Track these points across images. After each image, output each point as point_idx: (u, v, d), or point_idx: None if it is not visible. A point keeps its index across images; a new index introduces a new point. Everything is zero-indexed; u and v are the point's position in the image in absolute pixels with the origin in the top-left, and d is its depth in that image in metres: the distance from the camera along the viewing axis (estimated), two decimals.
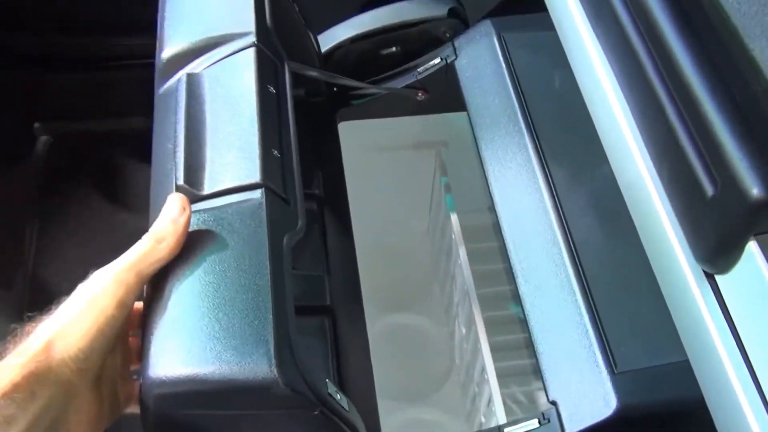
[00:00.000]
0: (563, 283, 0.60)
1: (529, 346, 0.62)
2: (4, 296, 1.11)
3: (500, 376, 0.73)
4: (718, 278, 0.44)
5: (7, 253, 1.15)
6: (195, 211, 0.50)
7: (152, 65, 0.76)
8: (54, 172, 1.26)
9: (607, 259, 0.62)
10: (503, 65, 0.75)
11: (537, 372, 0.60)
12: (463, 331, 0.84)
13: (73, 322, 0.44)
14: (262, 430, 0.49)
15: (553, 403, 0.58)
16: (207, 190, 0.52)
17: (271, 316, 0.45)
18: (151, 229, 0.48)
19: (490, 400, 0.72)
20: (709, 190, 0.42)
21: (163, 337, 0.45)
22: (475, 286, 0.80)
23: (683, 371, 0.50)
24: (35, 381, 0.42)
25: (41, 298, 1.12)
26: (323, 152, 0.81)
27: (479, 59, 0.78)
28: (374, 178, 0.93)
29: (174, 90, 0.58)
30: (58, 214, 1.20)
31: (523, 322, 0.62)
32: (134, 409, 0.49)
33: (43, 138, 1.30)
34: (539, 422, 0.58)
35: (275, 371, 0.43)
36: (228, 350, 0.44)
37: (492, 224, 0.71)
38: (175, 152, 0.53)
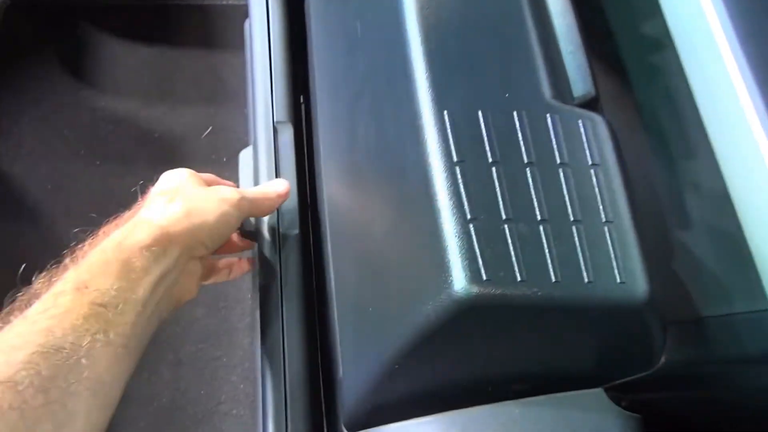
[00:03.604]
0: None
1: None
2: None
3: None
4: None
5: None
6: None
7: None
8: (12, 40, 1.16)
9: None
10: None
11: None
12: None
13: (208, 204, 0.49)
14: None
15: None
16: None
17: None
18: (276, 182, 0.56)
19: None
20: None
21: None
22: None
23: None
24: (169, 241, 0.45)
25: None
26: None
27: None
28: None
29: None
30: (14, 83, 1.10)
31: None
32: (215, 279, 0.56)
33: None
34: None
35: None
36: None
37: None
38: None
